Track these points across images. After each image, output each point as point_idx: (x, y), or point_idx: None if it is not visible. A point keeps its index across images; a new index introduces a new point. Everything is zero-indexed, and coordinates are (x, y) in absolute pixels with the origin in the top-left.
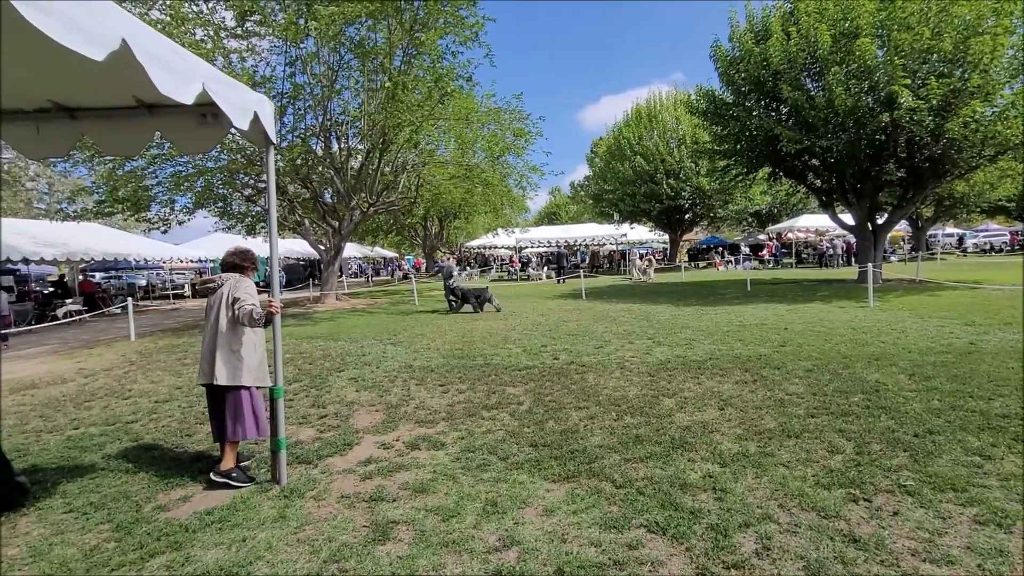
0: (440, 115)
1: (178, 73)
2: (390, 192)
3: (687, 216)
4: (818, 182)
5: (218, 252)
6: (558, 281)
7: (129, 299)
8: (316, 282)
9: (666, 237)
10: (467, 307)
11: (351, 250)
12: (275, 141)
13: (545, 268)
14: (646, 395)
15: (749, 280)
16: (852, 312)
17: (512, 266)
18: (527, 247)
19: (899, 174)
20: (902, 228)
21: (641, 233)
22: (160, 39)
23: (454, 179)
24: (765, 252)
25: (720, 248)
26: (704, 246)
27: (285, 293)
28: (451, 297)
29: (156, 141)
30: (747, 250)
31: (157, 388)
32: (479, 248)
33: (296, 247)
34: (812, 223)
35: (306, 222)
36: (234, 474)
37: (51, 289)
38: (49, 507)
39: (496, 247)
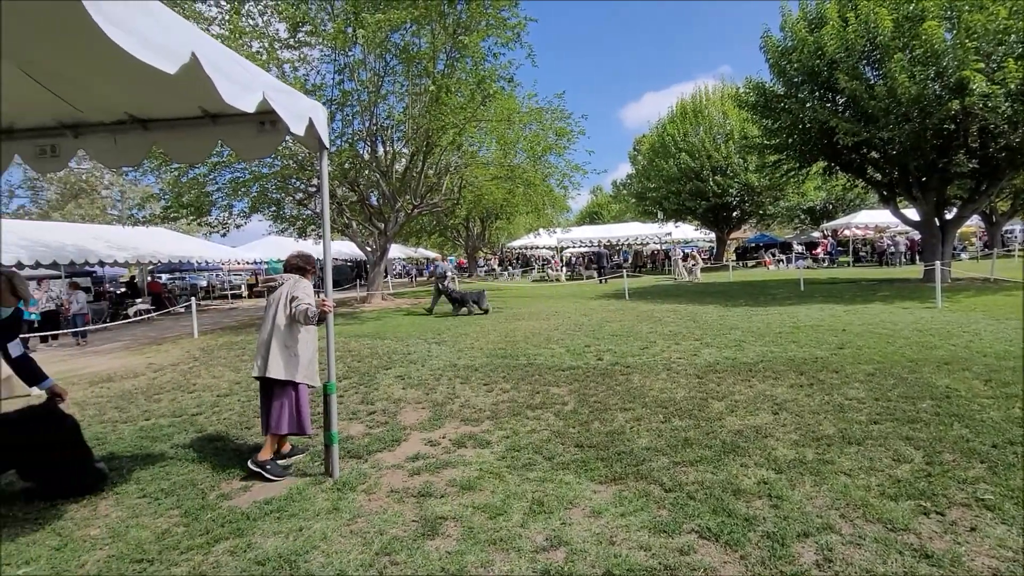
0: (482, 117)
1: (240, 83)
2: (433, 194)
3: (735, 214)
4: (878, 176)
5: (272, 254)
6: (600, 281)
7: (193, 299)
8: (363, 282)
9: (712, 236)
10: (446, 309)
11: (395, 251)
12: (328, 146)
13: (564, 269)
14: (694, 397)
15: (802, 279)
16: (917, 313)
17: (554, 267)
18: (569, 247)
19: (971, 165)
20: (973, 223)
21: (686, 232)
22: (224, 51)
23: (496, 180)
24: (819, 250)
25: (771, 247)
26: (753, 244)
27: (334, 293)
28: (444, 298)
29: (217, 149)
30: (800, 248)
31: (218, 383)
32: (520, 248)
33: (344, 249)
34: (871, 219)
35: (353, 224)
36: (268, 466)
37: (123, 290)
38: (125, 492)
39: (537, 247)
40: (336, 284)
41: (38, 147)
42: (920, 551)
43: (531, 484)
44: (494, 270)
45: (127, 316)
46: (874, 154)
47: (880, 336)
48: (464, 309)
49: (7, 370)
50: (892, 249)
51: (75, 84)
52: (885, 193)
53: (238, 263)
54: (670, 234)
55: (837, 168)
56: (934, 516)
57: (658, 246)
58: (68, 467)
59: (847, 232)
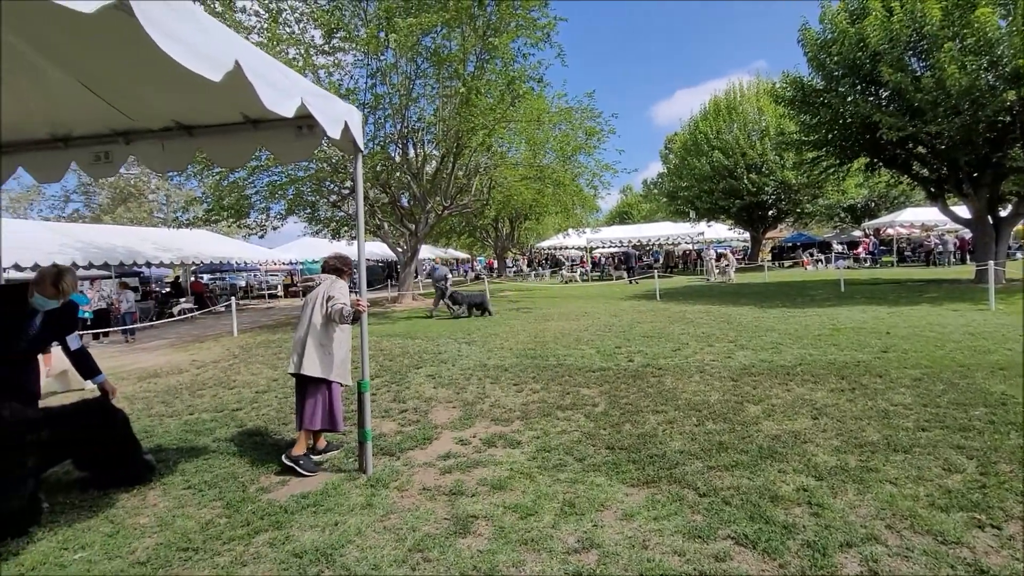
0: (512, 117)
1: (280, 89)
2: (463, 195)
3: (770, 212)
4: (925, 172)
5: (307, 255)
6: (630, 282)
7: (232, 298)
8: (394, 283)
9: (747, 235)
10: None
11: (425, 252)
12: (362, 149)
13: (579, 269)
14: (729, 401)
15: (843, 280)
16: (968, 316)
17: (582, 267)
18: (598, 247)
19: None
20: None
21: (719, 231)
22: (265, 58)
23: (525, 180)
24: (861, 250)
25: (809, 246)
26: (790, 244)
27: (366, 293)
28: (445, 302)
29: (255, 154)
30: (840, 247)
31: (257, 379)
32: (549, 249)
33: (375, 249)
34: (917, 217)
35: (385, 225)
36: (301, 461)
37: (168, 289)
38: (171, 483)
39: (567, 248)
40: (368, 284)
41: (93, 154)
42: (975, 566)
43: (562, 485)
44: (522, 270)
45: (172, 315)
46: (921, 149)
47: (928, 339)
48: (463, 311)
49: (65, 364)
50: (940, 248)
51: (126, 94)
52: (933, 190)
53: (275, 264)
54: (702, 234)
55: (880, 164)
56: (990, 530)
57: (690, 246)
58: (119, 458)
59: (891, 231)
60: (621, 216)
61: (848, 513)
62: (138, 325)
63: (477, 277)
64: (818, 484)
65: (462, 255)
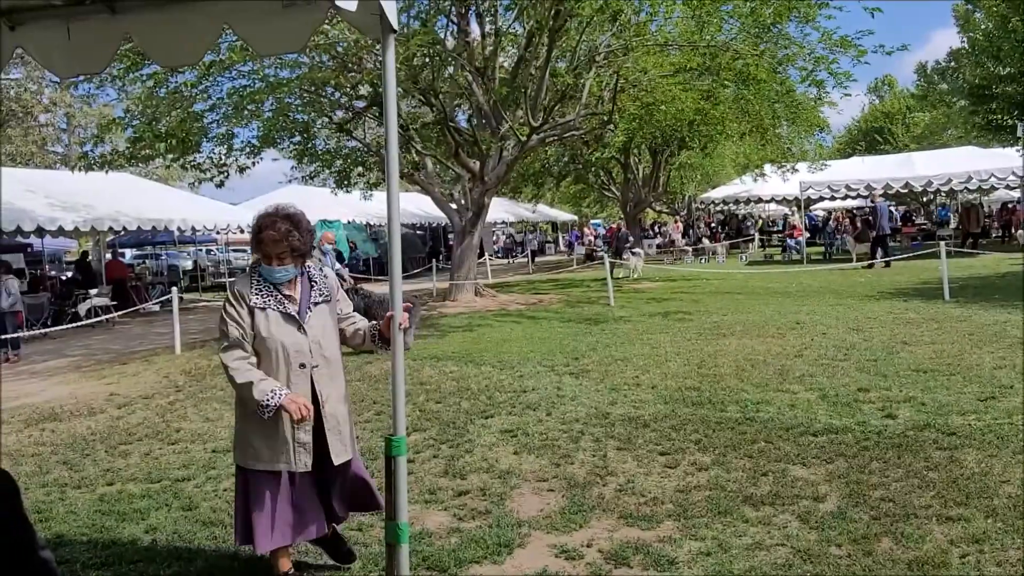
0: None
1: None
2: (567, 106)
3: None
4: None
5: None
6: (886, 264)
7: (174, 290)
8: (442, 264)
9: None
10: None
11: (497, 210)
12: (396, 26)
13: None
14: None
15: None
16: None
17: (793, 237)
18: (822, 197)
19: None
20: None
21: None
22: None
23: (681, 74)
24: None
25: None
26: None
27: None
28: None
29: (214, 44)
30: None
31: (214, 429)
32: (723, 202)
33: (409, 207)
34: None
35: (428, 163)
36: None
37: (71, 274)
38: None
39: (760, 200)
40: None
41: None
42: None
43: None
44: (673, 243)
45: (76, 316)
46: None
47: None
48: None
49: None
50: None
51: None
52: None
53: (240, 231)
54: None
55: None
56: None
57: (1016, 193)
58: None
59: None
60: (869, 139)
61: None
62: (24, 333)
63: (590, 256)
64: None
65: (564, 215)
